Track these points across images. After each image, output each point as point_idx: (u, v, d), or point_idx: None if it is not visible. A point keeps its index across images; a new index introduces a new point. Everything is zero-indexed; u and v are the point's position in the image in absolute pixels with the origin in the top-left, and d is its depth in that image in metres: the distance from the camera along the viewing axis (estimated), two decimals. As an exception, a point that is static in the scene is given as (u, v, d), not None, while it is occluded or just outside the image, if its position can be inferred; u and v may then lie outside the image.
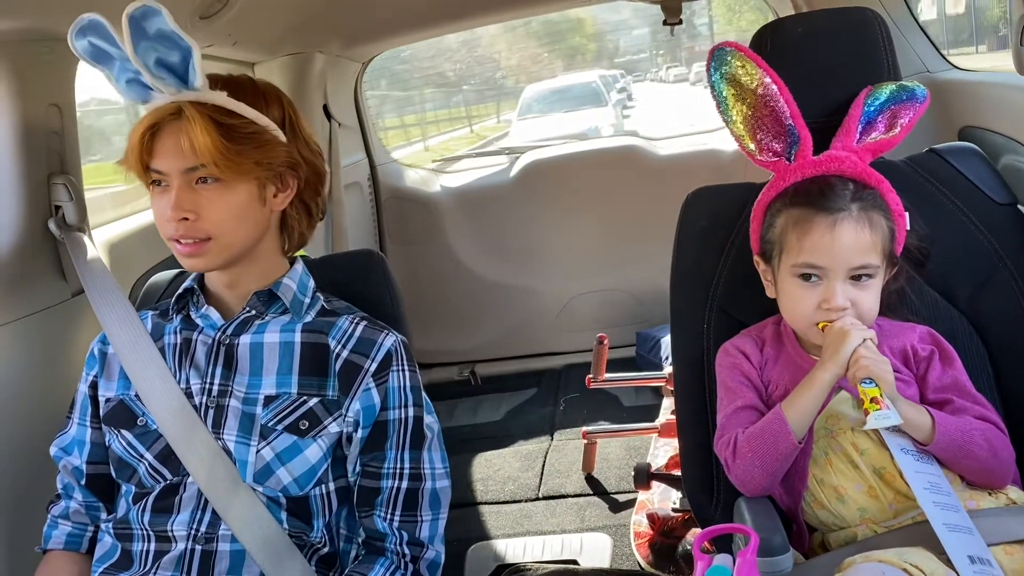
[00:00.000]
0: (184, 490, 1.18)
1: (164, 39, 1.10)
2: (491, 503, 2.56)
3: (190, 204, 1.15)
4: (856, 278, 1.18)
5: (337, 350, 1.22)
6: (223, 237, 1.18)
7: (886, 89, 1.34)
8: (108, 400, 1.27)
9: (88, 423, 1.29)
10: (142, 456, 1.21)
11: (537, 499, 2.55)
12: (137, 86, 1.15)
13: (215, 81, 1.18)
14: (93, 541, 1.28)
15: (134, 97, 1.17)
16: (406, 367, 1.24)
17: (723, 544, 1.21)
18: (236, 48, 2.35)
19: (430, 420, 1.26)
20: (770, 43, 1.44)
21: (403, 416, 1.22)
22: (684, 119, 11.10)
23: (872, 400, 1.06)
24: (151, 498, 1.19)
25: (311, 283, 1.32)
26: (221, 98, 1.15)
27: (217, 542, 1.16)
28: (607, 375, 2.66)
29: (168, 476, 1.20)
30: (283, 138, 1.21)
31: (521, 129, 10.84)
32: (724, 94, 1.33)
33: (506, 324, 3.56)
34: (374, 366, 1.22)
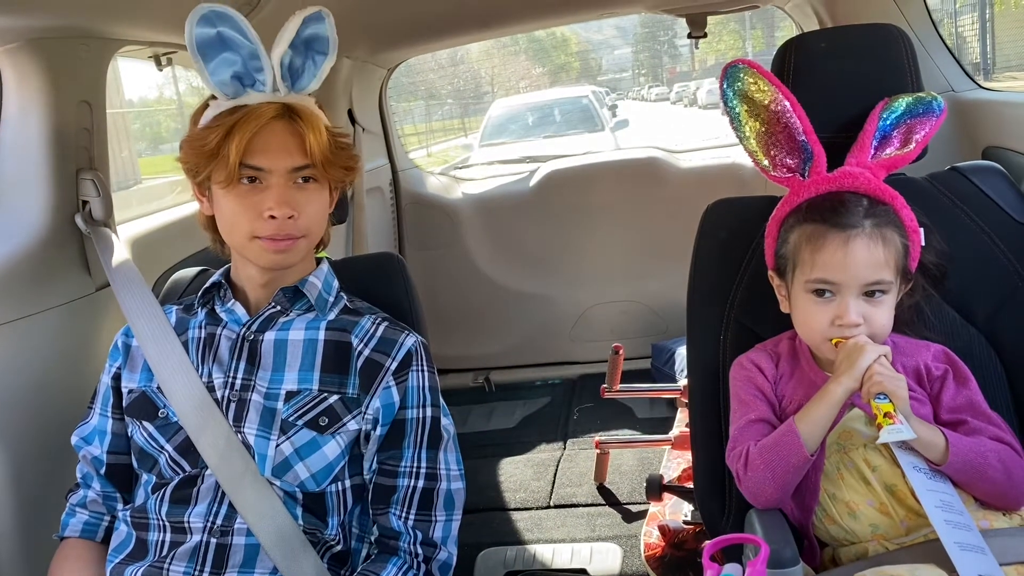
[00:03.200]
0: (202, 482, 1.20)
1: (312, 43, 1.16)
2: (502, 509, 2.57)
3: (294, 201, 1.18)
4: (869, 294, 1.18)
5: (359, 348, 1.24)
6: (312, 234, 1.23)
7: (902, 102, 1.35)
8: (131, 391, 1.29)
9: (110, 414, 1.31)
10: (163, 447, 1.23)
11: (548, 507, 2.55)
12: (237, 82, 1.18)
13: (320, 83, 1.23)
14: (109, 531, 1.29)
15: (227, 91, 1.19)
16: (425, 368, 1.25)
17: (734, 555, 1.21)
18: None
19: (447, 422, 1.27)
20: (794, 57, 1.44)
21: (421, 416, 1.23)
22: (668, 136, 11.03)
23: (885, 415, 1.06)
24: (169, 489, 1.21)
25: (335, 283, 1.34)
26: (311, 103, 1.21)
27: (232, 535, 1.17)
28: (621, 385, 2.66)
29: (187, 468, 1.21)
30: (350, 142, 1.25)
31: (483, 159, 6.21)
32: (737, 110, 1.34)
33: (522, 332, 3.56)
34: (394, 365, 1.23)
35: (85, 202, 1.58)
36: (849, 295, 1.17)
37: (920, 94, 1.37)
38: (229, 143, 1.14)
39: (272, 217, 1.17)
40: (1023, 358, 1.34)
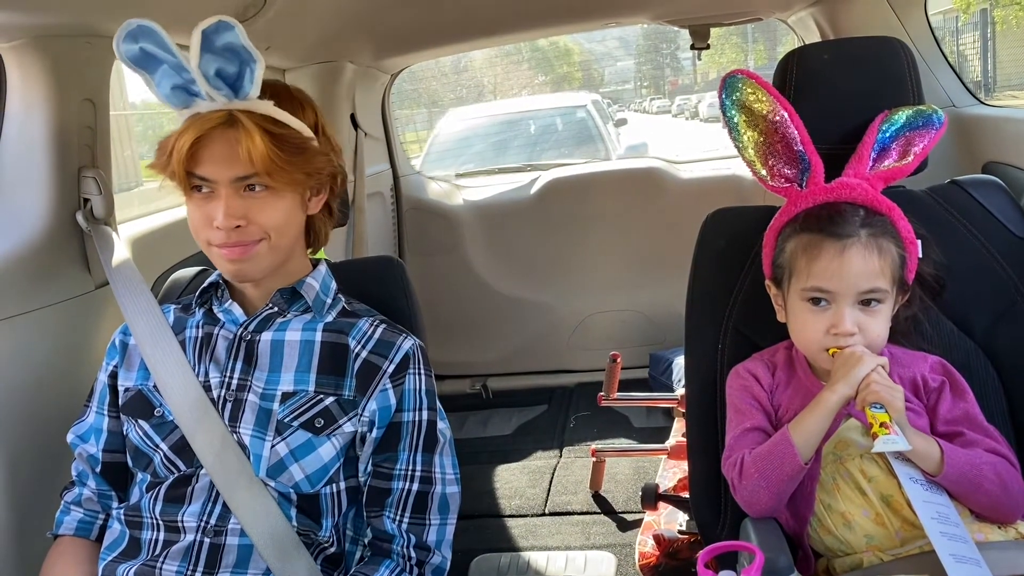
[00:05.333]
0: (196, 481, 1.20)
1: (229, 51, 1.12)
2: (497, 516, 2.57)
3: (241, 211, 1.16)
4: (865, 303, 1.18)
5: (356, 350, 1.24)
6: (274, 238, 1.20)
7: (902, 114, 1.35)
8: (127, 390, 1.29)
9: (106, 412, 1.31)
10: (158, 446, 1.23)
11: (543, 515, 2.55)
12: (182, 93, 1.16)
13: (263, 90, 1.19)
14: (103, 529, 1.29)
15: (175, 103, 1.18)
16: (422, 371, 1.25)
17: (729, 564, 1.21)
18: (268, 54, 2.38)
19: (443, 426, 1.27)
20: (796, 68, 1.45)
21: (417, 419, 1.23)
22: (669, 148, 9.67)
23: (881, 424, 1.06)
24: (163, 488, 1.21)
25: (333, 284, 1.34)
26: (269, 107, 1.17)
27: (226, 535, 1.17)
28: (618, 394, 2.66)
29: (182, 467, 1.21)
30: (319, 145, 1.23)
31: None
32: (736, 120, 1.35)
33: (520, 339, 3.56)
34: (392, 367, 1.23)
35: (86, 200, 1.58)
36: (844, 304, 1.18)
37: (920, 107, 1.37)
38: (174, 153, 1.15)
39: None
40: (1020, 371, 1.34)
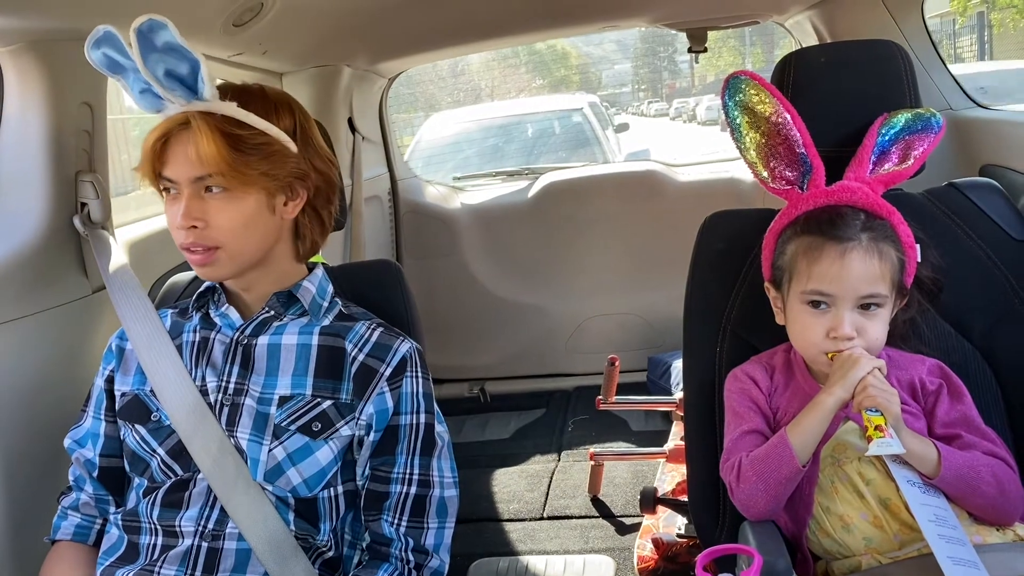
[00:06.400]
0: (194, 486, 1.19)
1: (172, 51, 1.12)
2: (496, 520, 2.56)
3: (199, 212, 1.17)
4: (864, 307, 1.18)
5: (353, 353, 1.24)
6: (231, 245, 1.19)
7: (901, 118, 1.35)
8: (124, 394, 1.28)
9: (103, 417, 1.30)
10: (155, 451, 1.23)
11: (542, 519, 2.55)
12: (150, 96, 1.18)
13: (226, 91, 1.20)
14: (101, 534, 1.29)
15: (148, 107, 1.19)
16: (420, 374, 1.25)
17: (728, 567, 1.21)
18: (266, 57, 2.39)
19: (441, 429, 1.26)
20: (793, 71, 1.45)
21: (415, 422, 1.23)
22: (667, 151, 9.26)
23: (876, 428, 1.06)
24: (161, 492, 1.21)
25: (330, 288, 1.34)
26: (230, 108, 1.17)
27: (224, 540, 1.17)
28: (617, 397, 2.65)
29: (179, 472, 1.21)
30: (293, 148, 1.22)
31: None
32: (738, 121, 1.35)
33: (518, 343, 3.56)
34: (389, 371, 1.23)
35: (84, 204, 1.58)
36: (844, 307, 1.18)
37: (919, 110, 1.37)
38: (144, 156, 1.17)
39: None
40: (1018, 374, 1.34)
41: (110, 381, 1.31)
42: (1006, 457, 1.16)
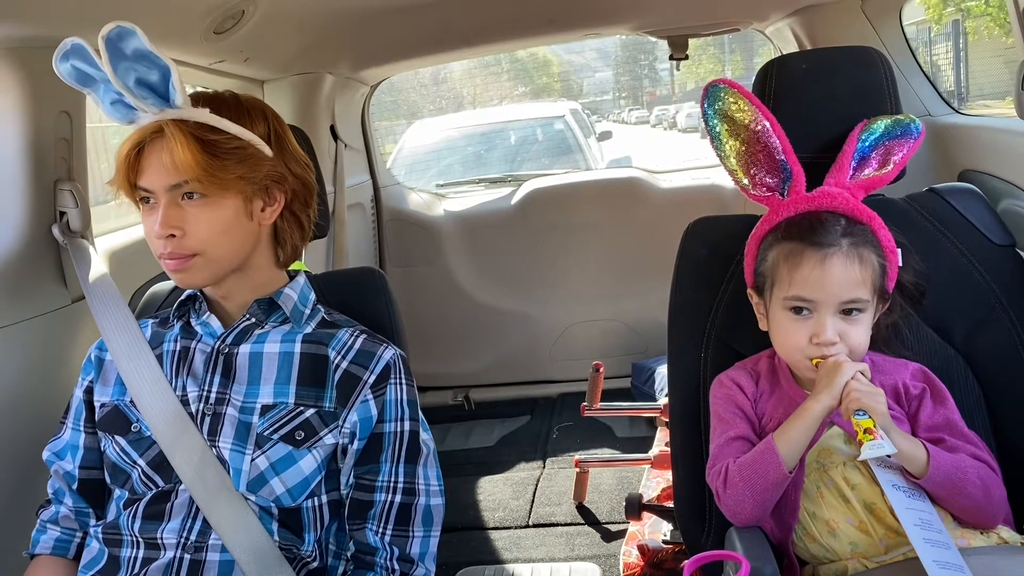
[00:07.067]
0: (176, 497, 1.18)
1: (142, 59, 1.11)
2: (481, 528, 2.55)
3: (176, 220, 1.16)
4: (846, 312, 1.19)
5: (336, 361, 1.23)
6: (209, 252, 1.18)
7: (881, 124, 1.36)
8: (103, 405, 1.27)
9: (82, 428, 1.29)
10: (135, 462, 1.21)
11: (527, 526, 2.54)
12: (122, 107, 1.16)
13: (198, 99, 1.19)
14: (81, 547, 1.27)
15: (119, 118, 1.18)
16: (404, 381, 1.24)
17: (714, 574, 1.21)
18: (247, 65, 2.37)
19: (426, 436, 1.26)
20: (775, 78, 1.46)
21: (399, 429, 1.22)
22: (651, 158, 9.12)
23: (866, 431, 1.06)
24: (142, 504, 1.19)
25: (312, 295, 1.33)
26: (203, 115, 1.16)
27: (206, 551, 1.15)
28: (601, 404, 2.65)
29: (160, 483, 1.20)
30: (268, 152, 1.21)
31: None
32: (718, 129, 1.35)
33: (502, 350, 3.56)
34: (373, 378, 1.22)
35: (63, 213, 1.57)
36: (826, 313, 1.18)
37: (898, 116, 1.38)
38: (119, 167, 1.16)
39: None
40: (1000, 378, 1.35)
41: (89, 392, 1.30)
42: (989, 460, 1.17)
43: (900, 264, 1.26)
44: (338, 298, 1.40)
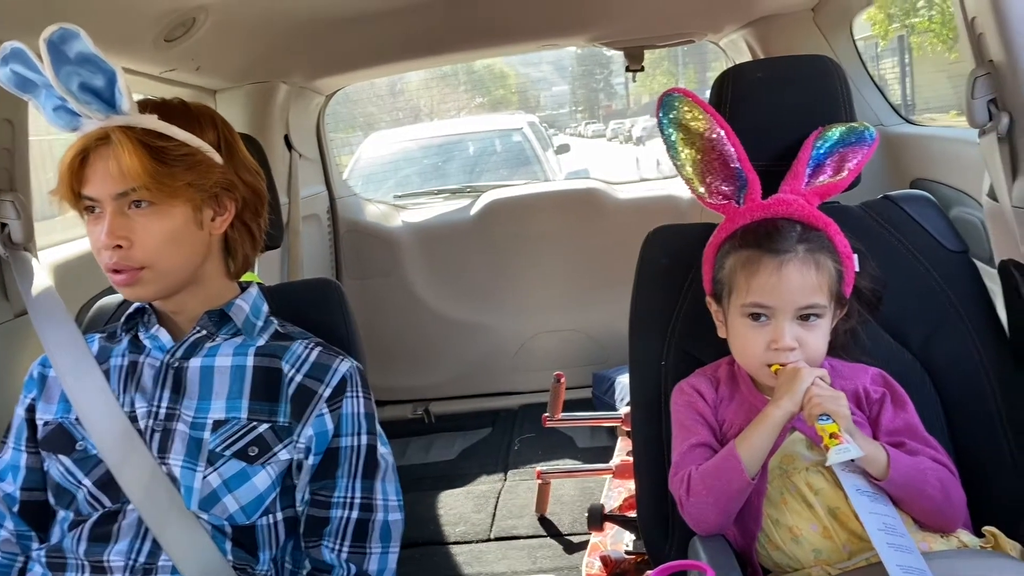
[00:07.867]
0: (123, 518, 1.14)
1: (86, 63, 1.08)
2: (442, 544, 2.52)
3: (123, 229, 1.12)
4: (804, 318, 1.19)
5: (291, 374, 1.20)
6: (158, 264, 1.15)
7: (836, 131, 1.37)
8: (46, 423, 1.22)
9: (24, 448, 1.24)
10: (81, 482, 1.17)
11: (489, 540, 2.52)
12: (65, 113, 1.13)
13: (145, 105, 1.16)
14: (23, 572, 1.22)
15: (62, 125, 1.14)
16: (361, 394, 1.22)
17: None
18: (199, 74, 2.33)
19: (384, 451, 1.23)
20: (731, 87, 1.46)
21: (356, 444, 1.19)
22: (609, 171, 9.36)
23: (831, 435, 1.06)
24: (88, 526, 1.15)
25: (265, 307, 1.30)
26: (151, 121, 1.13)
27: (156, 573, 1.11)
28: (563, 415, 2.64)
29: (107, 503, 1.15)
30: (218, 159, 1.18)
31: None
32: (673, 138, 1.35)
33: (462, 362, 3.53)
34: (328, 391, 1.19)
35: (4, 224, 1.52)
36: (783, 319, 1.18)
37: (853, 124, 1.40)
38: (62, 176, 1.12)
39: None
40: (955, 383, 1.36)
41: (31, 410, 1.25)
42: (948, 464, 1.18)
43: (857, 269, 1.26)
44: (293, 310, 1.37)
